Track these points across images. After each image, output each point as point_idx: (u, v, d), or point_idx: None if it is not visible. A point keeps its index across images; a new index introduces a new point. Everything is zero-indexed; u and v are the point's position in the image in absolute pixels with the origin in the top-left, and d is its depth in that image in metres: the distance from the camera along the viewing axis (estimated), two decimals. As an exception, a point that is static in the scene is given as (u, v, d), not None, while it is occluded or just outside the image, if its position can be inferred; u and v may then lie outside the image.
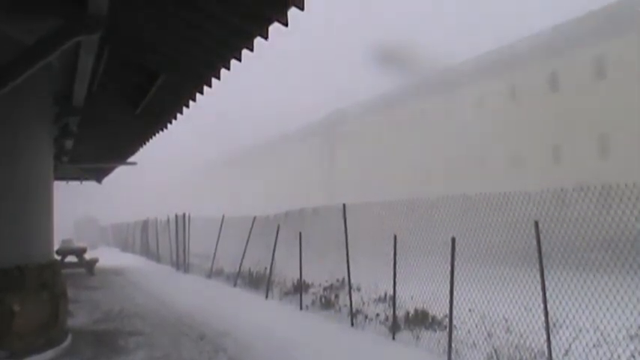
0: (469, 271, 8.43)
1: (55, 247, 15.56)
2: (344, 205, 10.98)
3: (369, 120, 43.28)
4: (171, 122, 12.93)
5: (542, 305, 6.74)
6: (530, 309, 7.61)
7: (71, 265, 21.05)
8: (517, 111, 30.00)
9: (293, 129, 54.95)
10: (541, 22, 32.12)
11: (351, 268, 10.69)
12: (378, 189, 33.51)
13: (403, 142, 38.64)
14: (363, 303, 10.90)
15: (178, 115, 12.22)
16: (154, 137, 15.48)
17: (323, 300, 11.92)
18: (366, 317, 10.08)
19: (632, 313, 7.02)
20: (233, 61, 7.88)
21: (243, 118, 70.51)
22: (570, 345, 7.14)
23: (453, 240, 7.79)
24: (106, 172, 24.49)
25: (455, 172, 33.21)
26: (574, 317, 7.17)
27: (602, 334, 7.42)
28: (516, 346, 7.28)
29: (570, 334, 7.48)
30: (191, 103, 10.73)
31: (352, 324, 9.95)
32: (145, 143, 16.78)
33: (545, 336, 6.66)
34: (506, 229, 8.05)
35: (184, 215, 23.00)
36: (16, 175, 7.98)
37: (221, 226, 19.40)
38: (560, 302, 7.07)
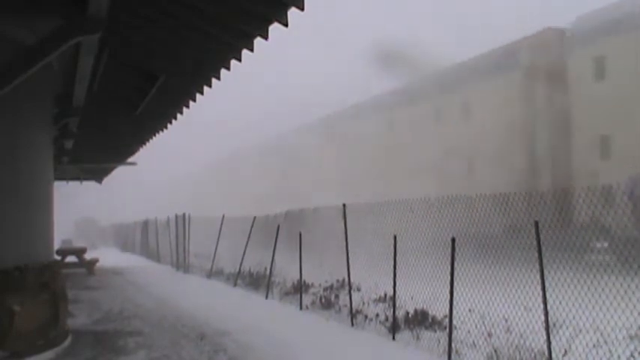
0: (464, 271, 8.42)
1: (55, 247, 15.57)
2: (344, 205, 10.98)
3: (370, 120, 43.26)
4: (171, 122, 12.96)
5: (542, 305, 6.74)
6: (530, 309, 7.62)
7: (71, 265, 21.07)
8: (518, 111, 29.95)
9: (291, 129, 54.89)
10: (541, 21, 32.12)
11: (351, 269, 10.70)
12: (384, 190, 33.46)
13: (403, 143, 38.61)
14: (363, 303, 10.90)
15: (178, 116, 12.25)
16: (154, 138, 15.51)
17: (323, 300, 11.93)
18: (366, 317, 10.09)
19: (632, 313, 7.01)
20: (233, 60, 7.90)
21: (239, 118, 70.44)
22: (570, 345, 7.14)
23: (453, 240, 7.79)
24: (106, 172, 24.53)
25: (454, 173, 33.18)
26: (574, 317, 7.17)
27: (602, 335, 7.43)
28: (516, 346, 7.28)
29: (570, 335, 7.48)
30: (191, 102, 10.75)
31: (352, 324, 9.95)
32: (144, 143, 16.82)
33: (545, 336, 6.67)
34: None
35: (184, 215, 23.01)
36: (16, 175, 7.99)
37: (221, 226, 19.41)
38: (561, 302, 7.07)
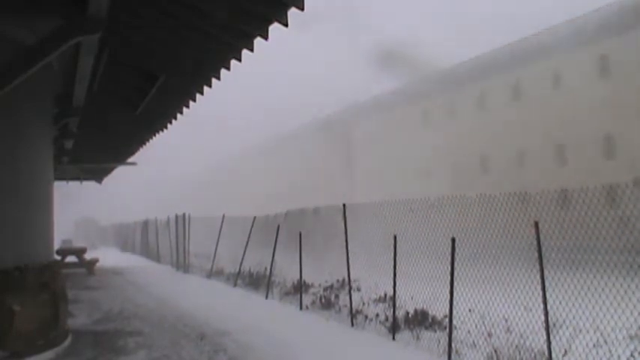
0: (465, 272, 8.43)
1: (55, 247, 15.57)
2: (344, 205, 10.98)
3: (369, 120, 43.27)
4: (171, 122, 12.96)
5: (542, 305, 6.74)
6: (531, 309, 7.62)
7: (71, 265, 21.07)
8: (517, 111, 29.98)
9: (291, 129, 54.85)
10: (540, 21, 32.13)
11: (351, 269, 10.69)
12: (381, 189, 33.41)
13: (403, 143, 38.62)
14: (363, 303, 10.90)
15: (178, 116, 12.25)
16: (154, 138, 15.51)
17: (323, 300, 11.93)
18: (366, 317, 10.09)
19: (632, 313, 7.02)
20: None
21: (239, 119, 70.29)
22: (570, 345, 7.14)
23: (453, 240, 7.79)
24: (106, 172, 24.53)
25: (455, 172, 33.20)
26: (574, 317, 7.17)
27: (602, 335, 7.43)
28: (516, 346, 7.28)
29: (570, 334, 7.49)
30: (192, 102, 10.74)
31: (352, 324, 9.95)
32: (144, 143, 16.82)
33: (545, 336, 6.67)
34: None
35: (184, 215, 23.01)
36: (16, 175, 7.98)
37: (221, 226, 19.41)
38: (561, 302, 7.08)
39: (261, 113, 67.94)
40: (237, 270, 16.74)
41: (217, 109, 53.52)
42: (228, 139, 65.98)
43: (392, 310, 9.14)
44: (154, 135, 15.03)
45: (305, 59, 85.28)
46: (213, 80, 8.94)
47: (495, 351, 7.32)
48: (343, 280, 12.12)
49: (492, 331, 8.21)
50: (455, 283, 7.78)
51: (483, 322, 8.35)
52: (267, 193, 52.68)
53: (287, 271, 14.22)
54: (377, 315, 10.07)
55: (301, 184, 48.28)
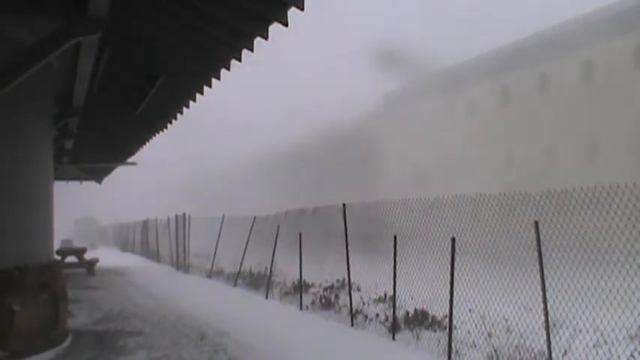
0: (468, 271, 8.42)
1: (55, 247, 15.57)
2: (344, 205, 10.99)
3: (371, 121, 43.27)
4: (171, 122, 12.97)
5: (542, 305, 6.74)
6: (531, 309, 7.62)
7: (71, 265, 21.07)
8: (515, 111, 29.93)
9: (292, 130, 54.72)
10: (539, 22, 32.10)
11: (351, 269, 10.69)
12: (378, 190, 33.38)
13: (402, 143, 38.62)
14: (363, 303, 10.91)
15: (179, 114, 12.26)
16: (154, 137, 15.51)
17: (323, 300, 11.93)
18: (366, 317, 10.09)
19: (632, 313, 7.01)
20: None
21: (240, 120, 70.13)
22: (570, 345, 7.14)
23: (453, 240, 7.79)
24: (106, 172, 24.55)
25: (453, 172, 33.17)
26: (574, 317, 7.17)
27: (602, 335, 7.43)
28: (516, 346, 7.29)
29: (570, 334, 7.49)
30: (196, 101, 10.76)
31: (352, 324, 9.95)
32: (144, 143, 16.82)
33: (545, 336, 6.67)
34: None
35: (184, 215, 23.00)
36: (16, 175, 7.98)
37: (221, 225, 19.41)
38: (561, 302, 7.08)
39: (262, 115, 67.80)
40: (238, 270, 16.75)
41: (217, 110, 53.52)
42: (230, 140, 65.88)
43: (392, 310, 9.15)
44: (154, 135, 15.04)
45: (304, 60, 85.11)
46: (214, 81, 8.95)
47: (495, 351, 7.32)
48: (343, 279, 12.12)
49: (492, 331, 8.21)
50: (455, 283, 7.76)
51: (483, 322, 8.35)
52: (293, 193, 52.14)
53: (287, 270, 14.22)
54: (377, 315, 10.07)
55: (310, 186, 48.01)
